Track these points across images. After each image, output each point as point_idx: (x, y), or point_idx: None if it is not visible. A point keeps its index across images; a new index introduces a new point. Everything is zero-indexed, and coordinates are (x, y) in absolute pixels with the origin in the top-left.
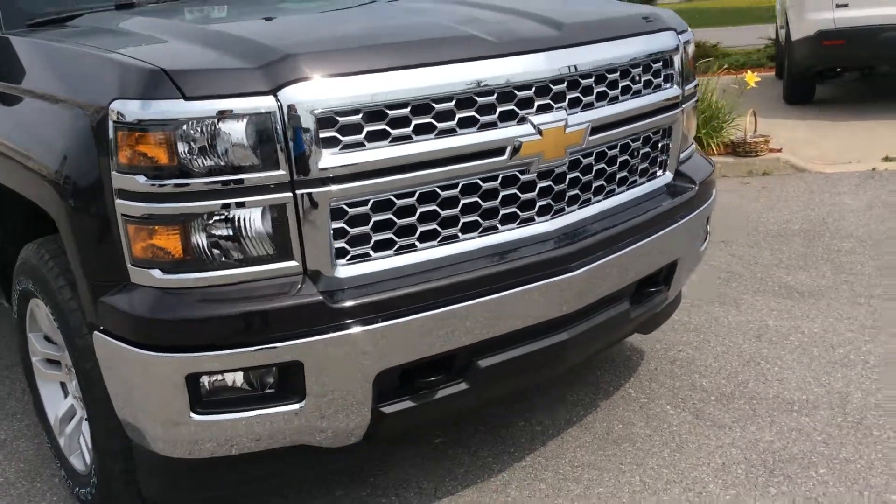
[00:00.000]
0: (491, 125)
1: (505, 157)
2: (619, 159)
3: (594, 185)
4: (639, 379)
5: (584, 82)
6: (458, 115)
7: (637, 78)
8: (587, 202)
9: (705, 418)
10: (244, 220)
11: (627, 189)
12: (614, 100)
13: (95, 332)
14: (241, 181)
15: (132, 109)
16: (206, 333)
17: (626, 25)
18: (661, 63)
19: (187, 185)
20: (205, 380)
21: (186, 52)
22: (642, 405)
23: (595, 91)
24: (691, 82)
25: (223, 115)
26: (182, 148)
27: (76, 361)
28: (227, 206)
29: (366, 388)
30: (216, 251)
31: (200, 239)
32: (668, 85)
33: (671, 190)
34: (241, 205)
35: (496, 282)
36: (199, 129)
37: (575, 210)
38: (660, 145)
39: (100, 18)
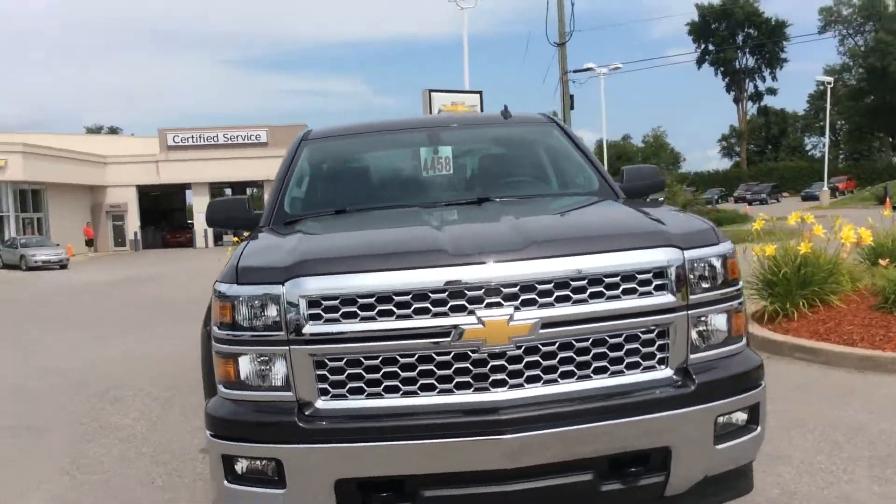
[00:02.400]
0: (442, 314)
1: (450, 338)
2: (586, 351)
3: (557, 368)
4: None
5: (541, 287)
6: (413, 305)
7: (605, 286)
8: (548, 381)
9: None
10: (262, 361)
11: (601, 377)
12: (573, 302)
13: None
14: (254, 337)
15: (217, 287)
16: (232, 430)
17: (608, 241)
18: (648, 274)
19: (234, 335)
20: (233, 461)
21: (261, 254)
22: None
23: (554, 294)
24: (713, 290)
25: (242, 297)
26: (233, 312)
27: None
28: (246, 351)
29: (328, 488)
30: (245, 378)
31: (233, 368)
32: (658, 293)
33: (667, 384)
34: (254, 351)
35: (439, 431)
36: (240, 302)
37: (532, 386)
38: (656, 344)
39: (302, 224)
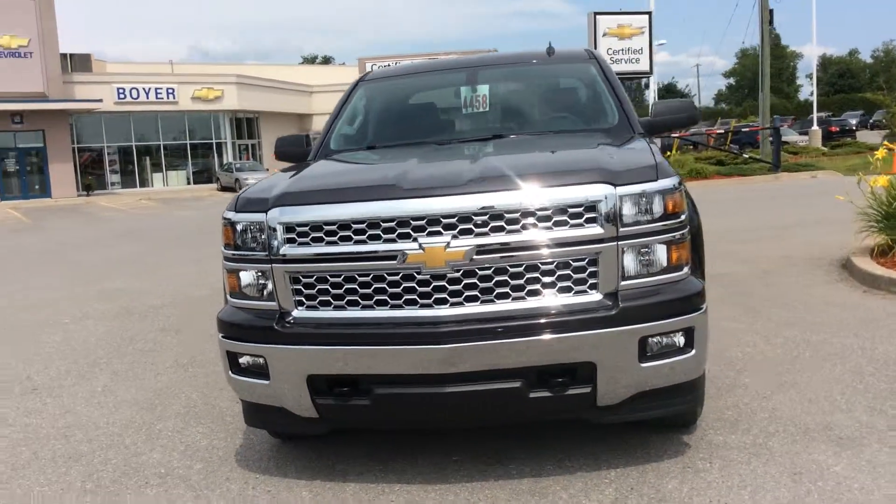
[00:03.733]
0: (391, 240)
1: (396, 261)
2: (520, 276)
3: (493, 290)
4: None
5: (476, 219)
6: (368, 232)
7: (537, 218)
8: (483, 301)
9: None
10: (251, 276)
11: (535, 298)
12: (507, 232)
13: None
14: (249, 255)
15: (223, 214)
16: (233, 331)
17: (543, 178)
18: (580, 208)
19: (234, 254)
20: (235, 356)
21: (263, 187)
22: None
23: (489, 225)
24: (647, 223)
25: (241, 222)
26: (233, 235)
27: None
28: (244, 267)
29: (302, 382)
30: (244, 290)
31: (236, 281)
32: (589, 225)
33: (594, 307)
34: (249, 268)
35: (388, 339)
36: (238, 227)
37: (471, 304)
38: (587, 271)
39: (328, 159)
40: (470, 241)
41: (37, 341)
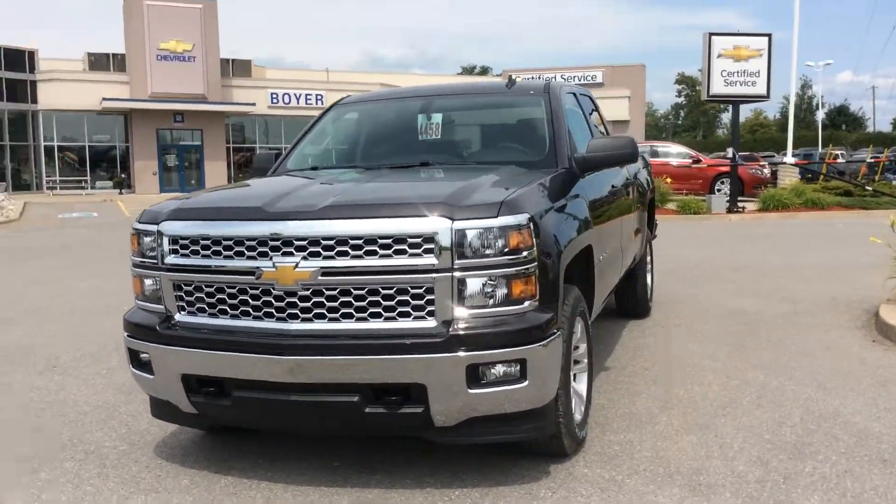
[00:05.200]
0: (251, 258)
1: (254, 277)
2: (362, 298)
3: (338, 309)
4: None
5: (324, 242)
6: (235, 249)
7: (379, 246)
8: (330, 319)
9: None
10: (149, 282)
11: (376, 320)
12: (351, 257)
13: None
14: (146, 262)
15: (133, 223)
16: (131, 329)
17: (387, 209)
18: (418, 238)
19: (136, 260)
20: (135, 353)
21: (168, 201)
22: None
23: (335, 249)
24: (483, 257)
25: (141, 232)
26: (137, 243)
27: None
28: (143, 273)
29: (177, 380)
30: (145, 293)
31: (139, 285)
32: (426, 255)
33: (427, 333)
34: (146, 274)
35: (244, 347)
36: (139, 237)
37: (319, 321)
38: (425, 298)
39: (259, 178)
40: (317, 263)
41: (89, 325)
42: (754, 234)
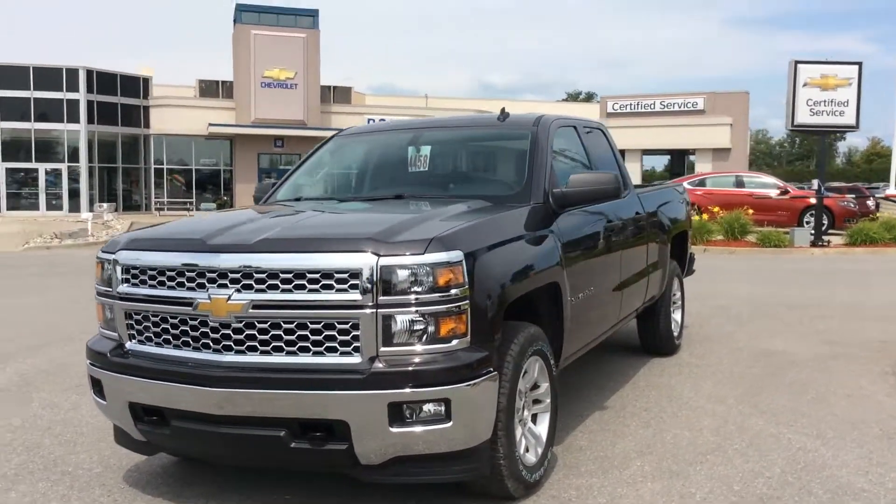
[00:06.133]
0: (190, 288)
1: (192, 308)
2: (291, 332)
3: (269, 343)
4: None
5: (256, 276)
6: (177, 280)
7: (307, 280)
8: (261, 351)
9: None
10: (107, 310)
11: (305, 355)
12: (280, 290)
13: None
14: (104, 290)
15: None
16: (90, 355)
17: (315, 244)
18: (345, 274)
19: (97, 288)
20: (93, 380)
21: (133, 231)
22: None
23: (266, 282)
24: (410, 294)
25: (103, 260)
26: (100, 271)
27: None
28: (102, 301)
29: (125, 407)
30: (105, 320)
31: (101, 312)
32: (352, 291)
33: (352, 370)
34: (105, 302)
35: (179, 377)
36: (101, 265)
37: (252, 354)
38: (350, 334)
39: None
40: (248, 296)
41: None
42: (832, 269)
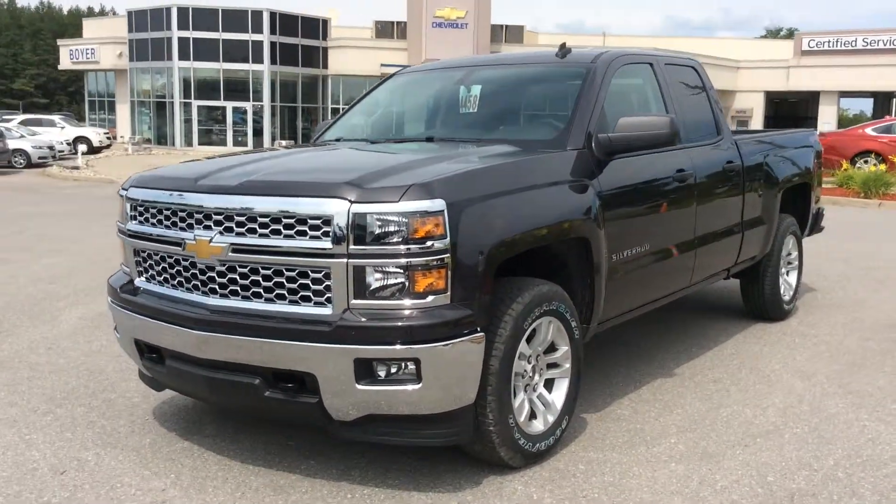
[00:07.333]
0: (181, 228)
1: (181, 248)
2: (269, 278)
3: (249, 288)
4: None
5: (237, 218)
6: (171, 219)
7: (283, 225)
8: (242, 297)
9: None
10: (125, 247)
11: (282, 303)
12: (258, 235)
13: None
14: (120, 228)
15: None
16: (109, 291)
17: (291, 188)
18: (318, 220)
19: (118, 225)
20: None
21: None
22: None
23: (246, 226)
24: (384, 245)
25: (121, 196)
26: (120, 209)
27: None
28: (120, 238)
29: (132, 344)
30: (124, 254)
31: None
32: (324, 238)
33: (321, 321)
34: (120, 238)
35: (169, 317)
36: (121, 202)
37: (234, 298)
38: (323, 284)
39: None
40: (229, 240)
41: None
42: None
